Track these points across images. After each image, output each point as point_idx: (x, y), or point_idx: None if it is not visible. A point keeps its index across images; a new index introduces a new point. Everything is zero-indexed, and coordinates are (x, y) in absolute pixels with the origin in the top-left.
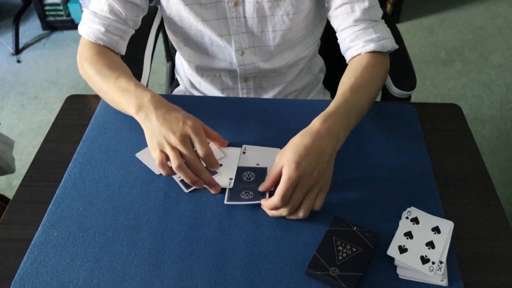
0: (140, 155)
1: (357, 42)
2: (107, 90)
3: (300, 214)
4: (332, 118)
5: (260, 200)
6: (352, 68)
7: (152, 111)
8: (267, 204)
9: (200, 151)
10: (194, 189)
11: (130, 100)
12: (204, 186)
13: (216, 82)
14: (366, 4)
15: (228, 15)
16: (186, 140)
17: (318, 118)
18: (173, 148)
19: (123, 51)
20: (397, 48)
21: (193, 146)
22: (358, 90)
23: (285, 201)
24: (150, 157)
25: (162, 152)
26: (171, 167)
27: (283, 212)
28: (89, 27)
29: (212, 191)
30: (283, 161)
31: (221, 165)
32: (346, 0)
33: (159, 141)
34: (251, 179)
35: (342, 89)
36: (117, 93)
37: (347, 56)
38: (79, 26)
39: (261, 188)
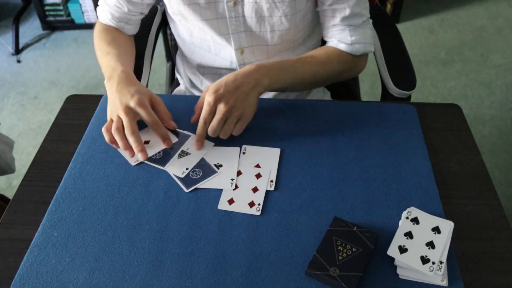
0: (104, 132)
1: (332, 39)
2: (100, 62)
3: (221, 135)
4: (259, 66)
5: (210, 175)
6: (319, 48)
7: (115, 83)
8: (198, 134)
9: (147, 122)
10: (194, 189)
11: (106, 71)
12: (203, 187)
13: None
14: (347, 12)
15: (227, 15)
16: (129, 111)
17: (248, 65)
18: (118, 117)
19: (131, 32)
20: (372, 51)
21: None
22: (305, 63)
23: (207, 122)
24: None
25: (111, 120)
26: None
27: (209, 132)
28: (102, 11)
29: (140, 157)
30: (206, 91)
31: (221, 165)
32: (329, 6)
33: (112, 110)
34: (199, 176)
35: (296, 57)
36: (103, 66)
37: None
38: (98, 7)
39: (192, 120)
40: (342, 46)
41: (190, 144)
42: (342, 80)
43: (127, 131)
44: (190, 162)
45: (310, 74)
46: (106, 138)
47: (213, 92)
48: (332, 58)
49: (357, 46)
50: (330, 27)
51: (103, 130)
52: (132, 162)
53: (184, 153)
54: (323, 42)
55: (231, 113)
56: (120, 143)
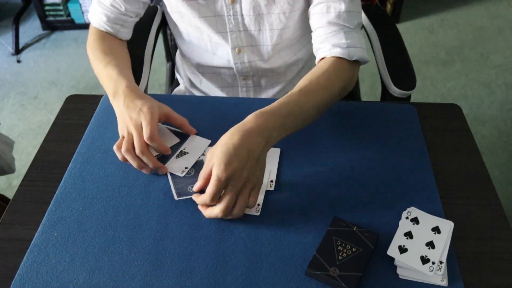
0: (115, 151)
1: (325, 44)
2: (98, 74)
3: (234, 212)
4: (266, 117)
5: None
6: (313, 71)
7: (122, 98)
8: (198, 200)
9: (144, 135)
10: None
11: (109, 87)
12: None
13: (216, 80)
14: (343, 7)
15: (225, 13)
16: (139, 128)
17: (252, 114)
18: (129, 133)
19: (125, 37)
20: (368, 60)
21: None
22: (308, 93)
23: (215, 200)
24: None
25: (123, 137)
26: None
27: (218, 213)
28: (95, 14)
29: (159, 172)
30: (213, 161)
31: None
32: (323, 0)
33: (122, 128)
34: (191, 174)
35: (293, 90)
36: (103, 79)
37: (317, 57)
38: (89, 12)
39: (195, 188)
40: (337, 51)
41: (188, 144)
42: (342, 97)
43: (138, 151)
44: (189, 161)
45: (314, 105)
46: (119, 156)
47: (224, 166)
48: (332, 76)
49: (354, 49)
50: (323, 27)
51: (115, 149)
52: (180, 172)
53: (182, 153)
54: None
55: (245, 186)
56: (133, 163)
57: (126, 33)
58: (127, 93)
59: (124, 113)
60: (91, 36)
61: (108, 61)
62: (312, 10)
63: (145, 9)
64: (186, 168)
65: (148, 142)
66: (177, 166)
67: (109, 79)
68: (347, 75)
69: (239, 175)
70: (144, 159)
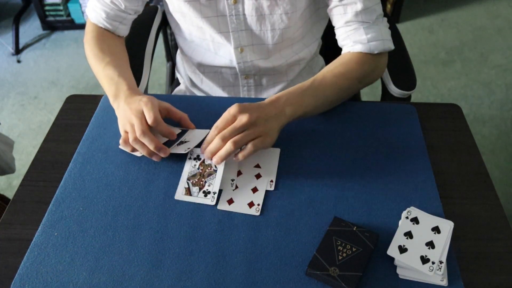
0: (123, 146)
1: (347, 41)
2: (97, 74)
3: (228, 143)
4: (280, 96)
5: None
6: (333, 61)
7: (122, 100)
8: (206, 139)
9: (148, 120)
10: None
11: (110, 89)
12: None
13: (217, 79)
14: (359, 7)
15: (228, 13)
16: (139, 114)
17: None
18: (132, 125)
19: (124, 34)
20: (393, 49)
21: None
22: (324, 78)
23: (219, 129)
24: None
25: (126, 132)
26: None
27: (215, 142)
28: (93, 10)
29: (162, 155)
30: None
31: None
32: (340, 2)
33: (124, 123)
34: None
35: (314, 77)
36: (103, 79)
37: (342, 53)
38: (87, 7)
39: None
40: (359, 47)
41: (187, 135)
42: (367, 85)
43: (139, 134)
44: (191, 143)
45: (331, 90)
46: (128, 149)
47: (237, 104)
48: (350, 66)
49: (375, 43)
50: (343, 26)
51: (121, 143)
52: (138, 153)
53: (183, 143)
54: (324, 42)
55: (251, 127)
56: (143, 151)
57: (125, 30)
58: (128, 95)
59: (125, 108)
60: (89, 33)
61: (108, 61)
62: (331, 11)
63: (144, 6)
64: (188, 148)
65: (153, 125)
66: (180, 149)
67: (109, 80)
68: (369, 66)
69: (250, 114)
70: (146, 140)
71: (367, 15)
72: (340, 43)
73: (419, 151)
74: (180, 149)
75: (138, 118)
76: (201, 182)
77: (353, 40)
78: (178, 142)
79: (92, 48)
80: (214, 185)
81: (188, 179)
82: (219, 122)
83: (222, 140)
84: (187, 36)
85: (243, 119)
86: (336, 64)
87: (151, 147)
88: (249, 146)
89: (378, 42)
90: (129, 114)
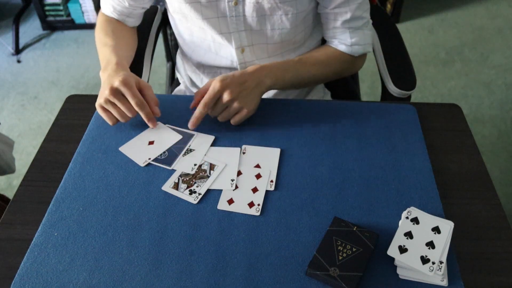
0: (123, 149)
1: (333, 40)
2: (98, 53)
3: (219, 117)
4: (262, 67)
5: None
6: (319, 48)
7: (107, 73)
8: (195, 115)
9: (131, 102)
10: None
11: (102, 63)
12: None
13: None
14: (348, 16)
15: (228, 14)
16: (115, 92)
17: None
18: (105, 98)
19: (133, 24)
20: (370, 51)
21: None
22: (307, 62)
23: (207, 107)
24: (133, 150)
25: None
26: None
27: (201, 105)
28: (105, 2)
29: (150, 125)
30: (212, 80)
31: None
32: (332, 10)
33: (101, 93)
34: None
35: (300, 56)
36: (100, 56)
37: None
38: None
39: (192, 104)
40: (342, 48)
41: (193, 142)
42: (341, 78)
43: (108, 94)
44: (197, 158)
45: (310, 74)
46: (103, 115)
47: (220, 80)
48: (332, 59)
49: (357, 47)
50: (331, 29)
51: (98, 108)
52: (141, 163)
53: (189, 151)
54: (323, 41)
55: (233, 103)
56: (114, 112)
57: (134, 22)
58: (114, 69)
59: (105, 83)
60: (98, 19)
61: (107, 41)
62: (322, 13)
63: (151, 2)
64: (195, 165)
65: (136, 108)
66: (186, 164)
67: (103, 57)
68: (347, 65)
69: (231, 91)
70: (116, 100)
71: (354, 22)
72: (326, 38)
73: (419, 151)
74: (187, 168)
75: (115, 97)
76: (191, 182)
77: (338, 40)
78: (184, 150)
79: (97, 33)
80: (202, 187)
81: (181, 175)
82: (207, 99)
83: (212, 116)
84: (187, 37)
85: (225, 96)
86: (320, 52)
87: (132, 103)
88: (233, 121)
89: (360, 46)
90: (106, 90)
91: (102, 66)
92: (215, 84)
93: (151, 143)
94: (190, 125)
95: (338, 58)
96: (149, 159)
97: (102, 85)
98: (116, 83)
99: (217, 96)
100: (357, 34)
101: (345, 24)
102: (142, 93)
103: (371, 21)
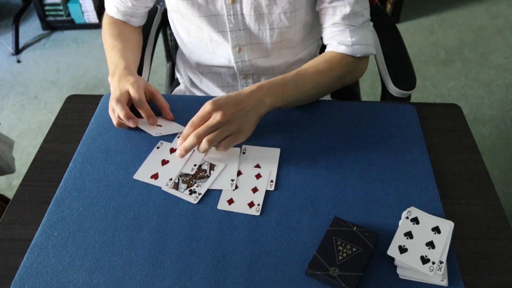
0: (137, 176)
1: (332, 41)
2: (106, 56)
3: (203, 141)
4: (260, 86)
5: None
6: (318, 57)
7: (116, 78)
8: (182, 135)
9: (133, 99)
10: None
11: (110, 67)
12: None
13: (216, 79)
14: (348, 10)
15: (225, 12)
16: (124, 91)
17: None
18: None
19: (138, 24)
20: (374, 53)
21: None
22: (306, 73)
23: (194, 126)
24: (147, 175)
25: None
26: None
27: (190, 139)
28: (109, 3)
29: (130, 123)
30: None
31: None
32: (329, 4)
33: (111, 98)
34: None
35: (297, 70)
36: (108, 60)
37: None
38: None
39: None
40: (343, 48)
41: (164, 121)
42: (344, 85)
43: (113, 102)
44: (197, 158)
45: (312, 84)
46: (114, 122)
47: (213, 101)
48: (332, 64)
49: (358, 47)
50: (330, 27)
51: (110, 113)
52: (153, 133)
53: (157, 126)
54: (322, 47)
55: (225, 125)
56: (113, 119)
57: (138, 21)
58: (122, 74)
59: (115, 86)
60: (104, 22)
61: (115, 44)
62: (320, 10)
63: (154, 1)
64: (195, 165)
65: (135, 103)
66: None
67: (111, 61)
68: (349, 68)
69: (224, 112)
70: (118, 108)
71: (354, 19)
72: (325, 41)
73: (419, 151)
74: (151, 130)
75: (121, 100)
76: (191, 182)
77: (338, 40)
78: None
79: (104, 35)
80: (202, 187)
81: (181, 176)
82: (195, 119)
83: (196, 138)
84: (185, 36)
85: (217, 117)
86: (319, 61)
87: (121, 115)
88: (220, 147)
89: (362, 46)
90: (116, 91)
91: (111, 71)
92: (206, 106)
93: (159, 125)
94: (178, 154)
95: (339, 62)
96: (171, 180)
97: (111, 90)
98: (127, 86)
99: (207, 117)
100: (358, 33)
101: (345, 20)
102: (154, 97)
103: (372, 23)
